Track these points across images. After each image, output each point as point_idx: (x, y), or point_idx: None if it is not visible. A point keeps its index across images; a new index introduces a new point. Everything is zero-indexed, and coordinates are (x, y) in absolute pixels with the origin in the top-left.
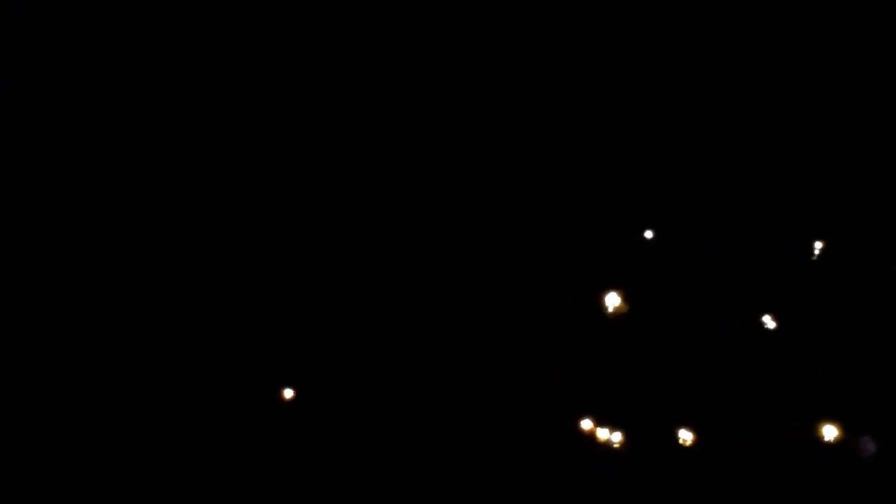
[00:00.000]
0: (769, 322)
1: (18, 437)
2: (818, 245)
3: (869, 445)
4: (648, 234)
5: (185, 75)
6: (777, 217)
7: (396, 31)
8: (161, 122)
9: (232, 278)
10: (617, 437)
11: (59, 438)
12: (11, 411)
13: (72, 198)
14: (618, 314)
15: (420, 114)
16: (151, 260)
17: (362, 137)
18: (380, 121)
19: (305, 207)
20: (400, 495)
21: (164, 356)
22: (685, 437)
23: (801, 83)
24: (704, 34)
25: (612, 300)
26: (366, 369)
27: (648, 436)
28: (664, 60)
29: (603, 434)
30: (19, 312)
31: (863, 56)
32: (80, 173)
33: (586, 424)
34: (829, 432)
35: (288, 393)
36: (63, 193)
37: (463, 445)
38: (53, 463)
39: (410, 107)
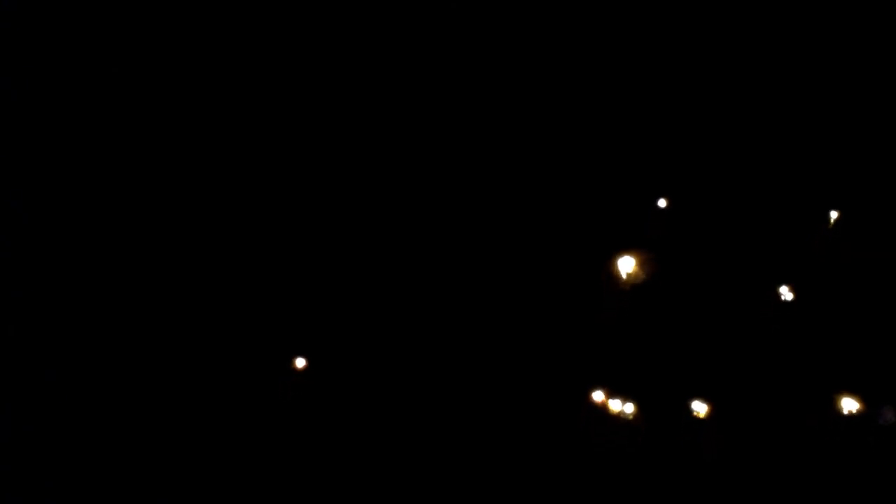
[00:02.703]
0: (786, 293)
1: (18, 436)
2: (833, 215)
3: (889, 415)
4: (662, 203)
5: (185, 75)
6: (792, 186)
7: (389, 29)
8: (159, 120)
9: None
10: (629, 409)
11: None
12: (11, 411)
13: (68, 187)
14: (632, 281)
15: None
16: (150, 259)
17: (353, 127)
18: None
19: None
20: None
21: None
22: (699, 409)
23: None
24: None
25: (627, 265)
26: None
27: (661, 408)
28: (674, 38)
29: (615, 405)
30: (19, 307)
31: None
32: (75, 166)
33: (598, 396)
34: (848, 404)
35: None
36: (59, 185)
37: (474, 418)
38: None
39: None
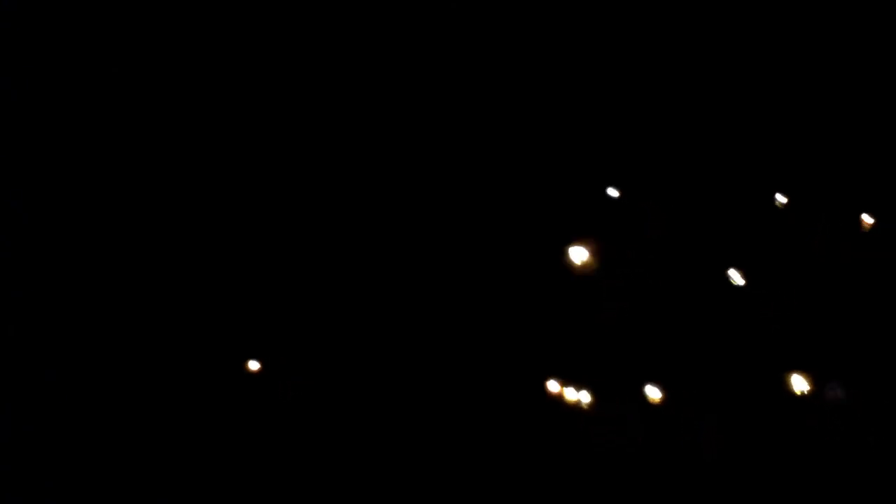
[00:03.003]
0: (737, 277)
1: (18, 436)
2: (781, 199)
3: (836, 391)
4: (613, 192)
5: (185, 75)
6: (739, 171)
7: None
8: (159, 120)
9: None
10: (585, 398)
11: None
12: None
13: (68, 187)
14: (584, 270)
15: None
16: (151, 259)
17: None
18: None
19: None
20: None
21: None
22: (653, 394)
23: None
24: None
25: (579, 255)
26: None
27: (616, 395)
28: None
29: (571, 395)
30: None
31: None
32: (75, 166)
33: (553, 386)
34: (798, 384)
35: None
36: (59, 185)
37: (429, 415)
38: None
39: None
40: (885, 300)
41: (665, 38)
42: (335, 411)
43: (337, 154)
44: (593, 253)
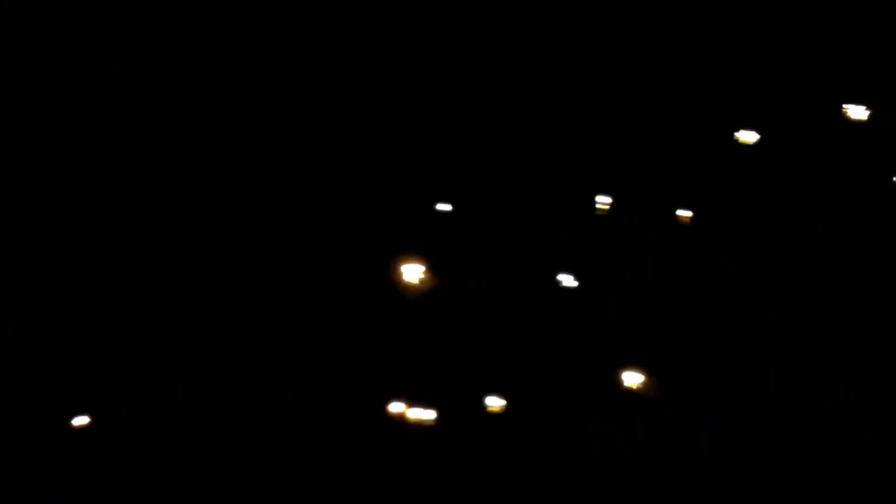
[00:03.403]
0: (566, 280)
1: (18, 436)
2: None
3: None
4: (444, 207)
5: (185, 75)
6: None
7: (389, 29)
8: (159, 120)
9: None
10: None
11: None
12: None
13: (68, 187)
14: (419, 288)
15: (414, 95)
16: (150, 259)
17: (347, 125)
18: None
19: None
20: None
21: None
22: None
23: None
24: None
25: (413, 272)
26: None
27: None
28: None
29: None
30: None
31: None
32: (75, 166)
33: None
34: (632, 379)
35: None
36: (59, 185)
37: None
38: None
39: (405, 94)
40: (885, 300)
41: (664, 37)
42: (335, 411)
43: (337, 154)
44: (425, 270)
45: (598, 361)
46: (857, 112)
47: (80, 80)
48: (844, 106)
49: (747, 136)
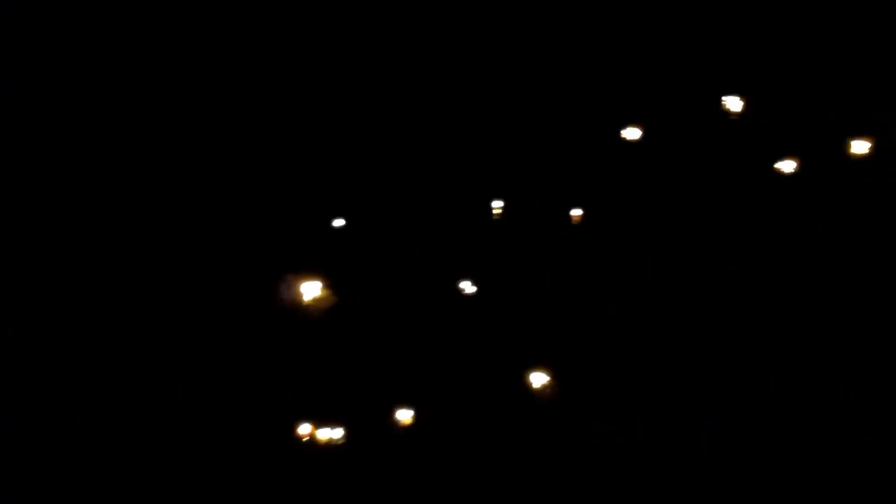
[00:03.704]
0: (469, 287)
1: (18, 436)
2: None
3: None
4: (339, 223)
5: (185, 75)
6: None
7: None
8: (159, 120)
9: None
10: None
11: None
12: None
13: (68, 187)
14: (319, 305)
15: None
16: (151, 259)
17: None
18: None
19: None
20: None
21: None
22: (403, 416)
23: None
24: None
25: (312, 290)
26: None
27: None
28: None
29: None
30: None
31: None
32: (75, 166)
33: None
34: (538, 379)
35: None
36: (59, 185)
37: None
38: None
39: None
40: (884, 300)
41: (665, 37)
42: (335, 411)
43: (337, 154)
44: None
45: (597, 361)
46: (733, 103)
47: (79, 80)
48: (723, 98)
49: (632, 134)
